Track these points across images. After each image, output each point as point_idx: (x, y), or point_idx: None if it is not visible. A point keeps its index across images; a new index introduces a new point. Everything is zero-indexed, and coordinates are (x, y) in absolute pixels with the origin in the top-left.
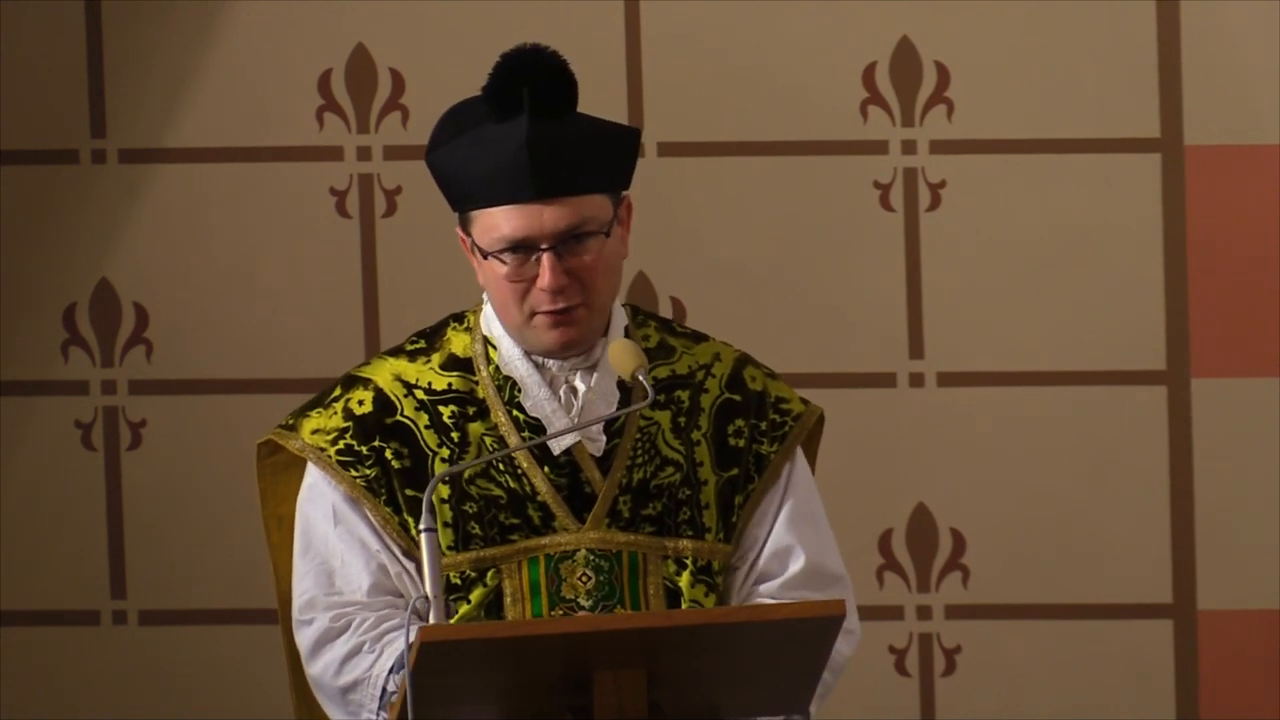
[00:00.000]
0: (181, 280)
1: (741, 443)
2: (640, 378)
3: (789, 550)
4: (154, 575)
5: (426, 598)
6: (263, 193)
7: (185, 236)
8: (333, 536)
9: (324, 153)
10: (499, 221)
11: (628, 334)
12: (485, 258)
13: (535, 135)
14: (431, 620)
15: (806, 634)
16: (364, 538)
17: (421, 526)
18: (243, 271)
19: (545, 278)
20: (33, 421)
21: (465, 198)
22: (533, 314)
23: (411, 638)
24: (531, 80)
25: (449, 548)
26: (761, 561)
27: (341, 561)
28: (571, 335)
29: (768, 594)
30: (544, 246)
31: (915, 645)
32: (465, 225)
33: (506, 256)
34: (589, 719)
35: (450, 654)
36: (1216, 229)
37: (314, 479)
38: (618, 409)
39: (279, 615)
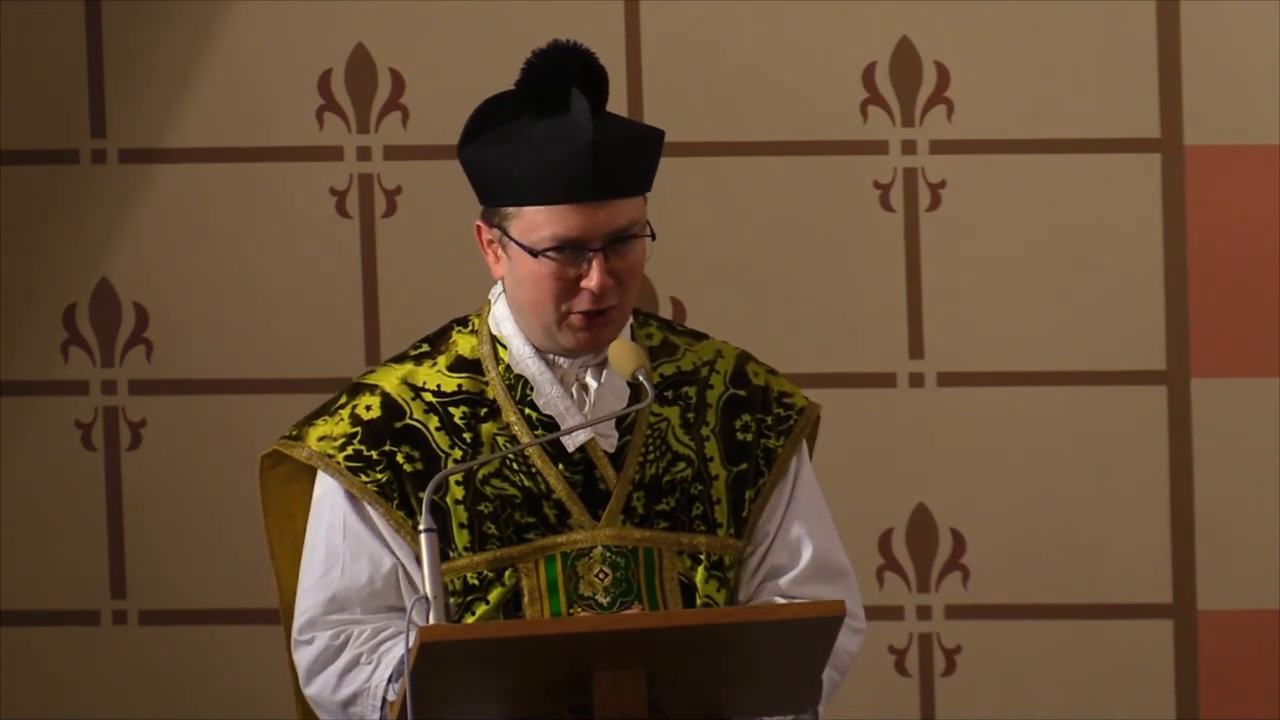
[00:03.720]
0: (181, 280)
1: (749, 437)
2: (640, 378)
3: (798, 543)
4: (154, 575)
5: (426, 598)
6: (263, 193)
7: (185, 236)
8: (340, 550)
9: (324, 153)
10: (550, 220)
11: (632, 334)
12: (535, 255)
13: (600, 136)
14: (431, 620)
15: (807, 634)
16: (373, 552)
17: (421, 527)
18: (243, 271)
19: (594, 279)
20: (33, 421)
21: (509, 193)
22: (569, 313)
23: (411, 641)
24: (580, 80)
25: (465, 549)
26: (771, 555)
27: (344, 577)
28: (604, 337)
29: (778, 591)
30: (595, 247)
31: (915, 645)
32: (499, 220)
33: (555, 255)
34: (589, 719)
35: (450, 654)
36: (1216, 229)
37: (323, 491)
38: (628, 405)
39: (284, 628)
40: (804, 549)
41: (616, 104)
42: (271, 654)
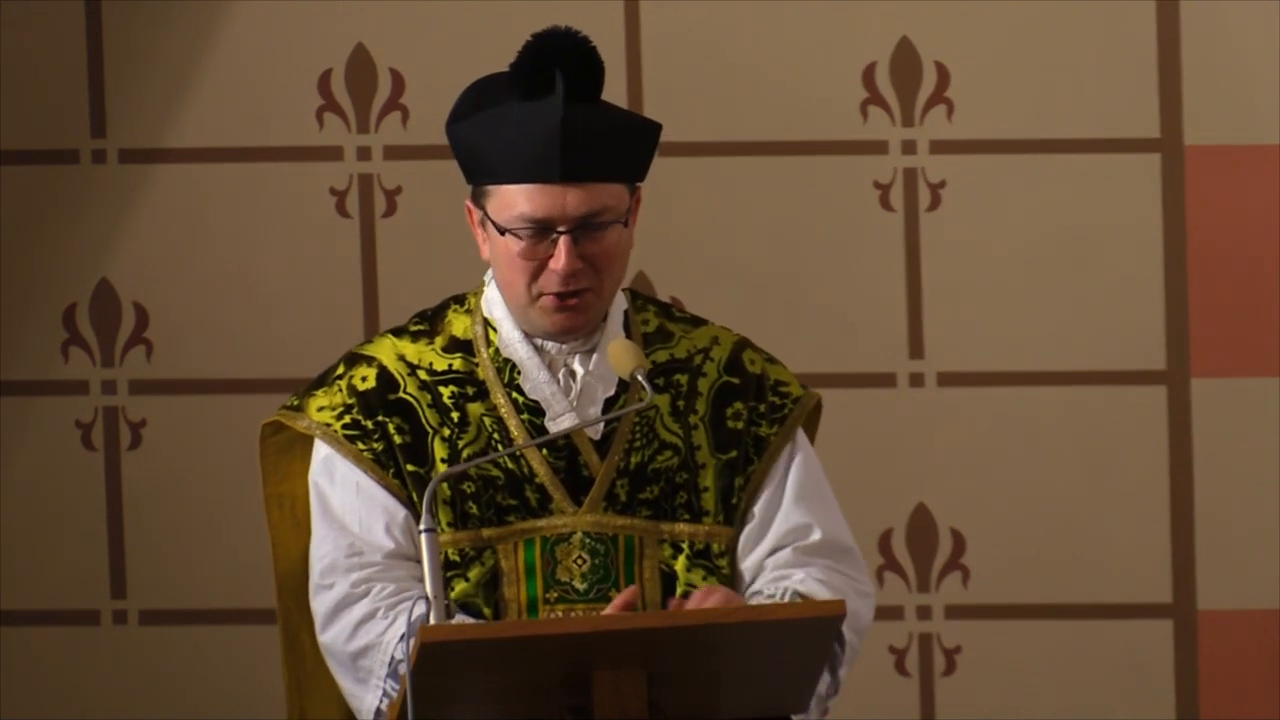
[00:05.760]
0: (181, 280)
1: (740, 425)
2: (640, 378)
3: (806, 528)
4: (154, 575)
5: (426, 598)
6: (263, 193)
7: (185, 236)
8: (355, 504)
9: (324, 153)
10: (520, 199)
11: (627, 319)
12: (502, 233)
13: (569, 118)
14: (431, 621)
15: (806, 634)
16: (386, 504)
17: (421, 527)
18: (243, 271)
19: (560, 260)
20: (33, 421)
21: (485, 171)
22: (540, 294)
23: (416, 623)
24: (566, 63)
25: (448, 524)
26: (777, 540)
27: (361, 525)
28: (577, 321)
29: (783, 563)
30: (562, 229)
31: (915, 645)
32: (479, 198)
33: (523, 234)
34: (589, 719)
35: (450, 655)
36: (1216, 229)
37: (327, 452)
38: (615, 393)
39: (276, 590)
40: (811, 532)
41: (616, 103)
42: (272, 654)
